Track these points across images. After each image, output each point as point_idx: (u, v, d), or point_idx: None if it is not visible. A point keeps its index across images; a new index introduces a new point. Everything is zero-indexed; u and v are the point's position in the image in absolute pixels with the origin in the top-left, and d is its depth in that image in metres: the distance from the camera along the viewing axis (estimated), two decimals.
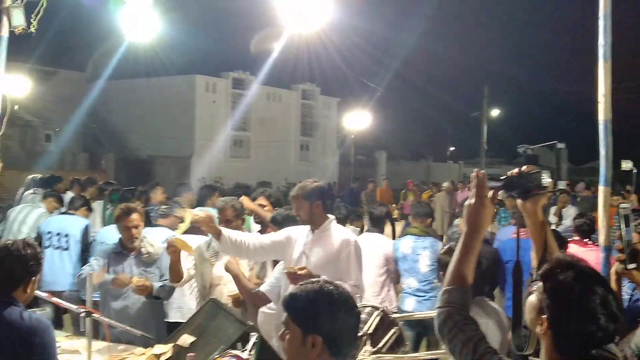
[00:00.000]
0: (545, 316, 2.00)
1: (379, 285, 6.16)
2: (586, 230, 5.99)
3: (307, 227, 4.49)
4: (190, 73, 30.74)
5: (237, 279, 4.59)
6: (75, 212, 7.41)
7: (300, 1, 4.63)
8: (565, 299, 1.97)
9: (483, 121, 33.20)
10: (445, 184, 17.11)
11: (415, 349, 5.96)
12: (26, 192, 9.61)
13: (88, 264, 5.19)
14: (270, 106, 34.10)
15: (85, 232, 7.18)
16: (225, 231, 4.42)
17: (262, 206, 5.86)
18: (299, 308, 2.20)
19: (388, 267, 6.23)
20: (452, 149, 54.83)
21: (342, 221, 7.08)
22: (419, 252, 6.02)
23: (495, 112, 36.91)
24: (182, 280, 4.98)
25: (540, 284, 2.04)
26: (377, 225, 6.78)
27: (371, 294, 6.10)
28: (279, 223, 5.23)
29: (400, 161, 41.39)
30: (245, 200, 5.49)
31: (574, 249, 5.50)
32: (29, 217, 7.63)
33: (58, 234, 7.06)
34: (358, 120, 27.64)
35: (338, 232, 4.45)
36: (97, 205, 9.38)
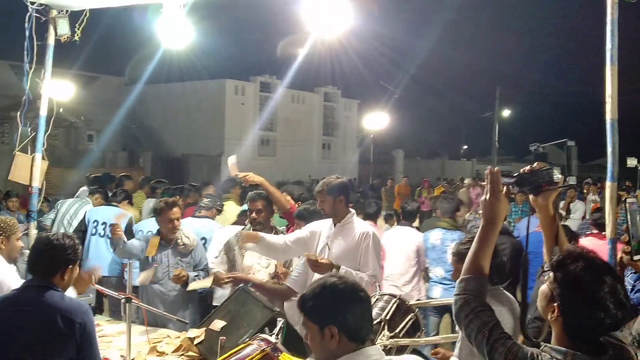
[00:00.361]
0: (556, 304, 1.99)
1: (410, 274, 6.19)
2: (603, 223, 5.98)
3: (330, 221, 4.50)
4: (221, 77, 30.85)
5: (261, 287, 4.59)
6: (118, 205, 7.50)
7: (323, 9, 4.62)
8: (575, 288, 1.95)
9: (495, 121, 32.98)
10: (467, 181, 16.97)
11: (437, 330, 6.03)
12: (83, 189, 9.79)
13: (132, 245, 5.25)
14: (295, 108, 34.09)
15: (129, 223, 7.25)
16: (262, 236, 4.50)
17: None
18: (310, 307, 2.21)
19: (418, 259, 6.25)
20: (465, 147, 54.43)
21: (372, 216, 7.07)
22: (447, 244, 6.00)
23: (506, 112, 36.65)
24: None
25: (551, 274, 2.03)
26: (409, 219, 6.81)
27: (403, 282, 6.13)
28: (305, 218, 5.24)
29: (417, 159, 41.18)
30: (253, 176, 5.43)
31: (592, 242, 5.45)
32: (80, 211, 7.71)
33: (104, 222, 7.15)
34: (377, 120, 27.57)
35: (358, 225, 4.45)
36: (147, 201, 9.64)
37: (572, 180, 2.43)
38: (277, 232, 5.14)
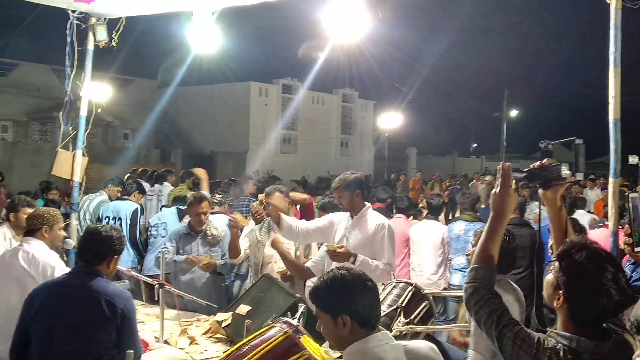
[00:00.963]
0: (561, 292, 1.97)
1: (437, 264, 6.24)
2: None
3: (347, 214, 4.50)
4: (246, 80, 30.91)
5: (282, 255, 4.62)
6: (128, 197, 7.50)
7: (342, 16, 4.61)
8: (580, 276, 1.94)
9: (503, 120, 32.76)
10: (488, 178, 16.79)
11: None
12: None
13: (164, 246, 5.27)
14: (315, 108, 34.06)
15: (134, 214, 7.26)
16: (284, 217, 4.49)
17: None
18: (322, 298, 2.21)
19: (444, 249, 6.28)
20: (474, 145, 53.96)
21: (404, 210, 7.01)
22: (470, 234, 6.03)
23: (513, 113, 36.34)
24: (240, 257, 5.06)
25: (556, 263, 2.01)
26: (434, 213, 6.86)
27: (430, 272, 6.14)
28: (328, 209, 5.29)
29: (429, 156, 40.95)
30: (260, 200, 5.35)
31: (603, 233, 5.42)
32: (91, 205, 7.74)
33: (114, 217, 7.19)
34: (391, 120, 27.51)
35: (374, 218, 4.44)
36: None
37: (579, 176, 2.41)
38: (212, 227, 5.23)
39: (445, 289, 6.10)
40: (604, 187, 14.43)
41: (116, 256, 3.23)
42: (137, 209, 7.30)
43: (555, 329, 2.01)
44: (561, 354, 1.89)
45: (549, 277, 2.05)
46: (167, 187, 9.98)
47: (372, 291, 2.23)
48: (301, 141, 33.21)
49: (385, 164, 31.79)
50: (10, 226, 5.19)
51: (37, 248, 3.92)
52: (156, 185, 10.00)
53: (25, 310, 3.08)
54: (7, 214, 5.27)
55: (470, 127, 53.14)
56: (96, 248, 3.15)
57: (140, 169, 11.20)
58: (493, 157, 39.19)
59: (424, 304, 3.69)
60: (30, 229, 4.04)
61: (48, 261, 3.87)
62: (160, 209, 8.43)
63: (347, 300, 2.15)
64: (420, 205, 11.66)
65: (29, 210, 4.61)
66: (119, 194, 7.82)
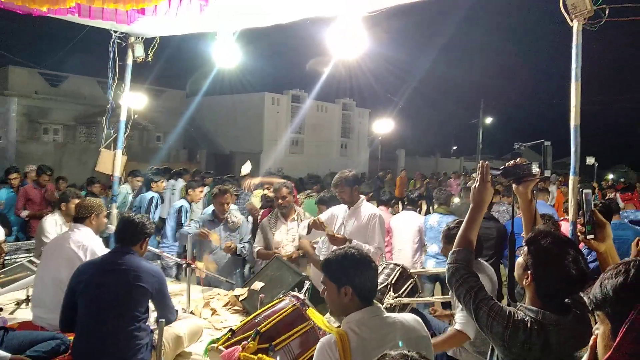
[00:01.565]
0: (529, 272, 1.97)
1: (413, 250, 6.18)
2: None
3: (345, 206, 4.50)
4: (261, 91, 30.88)
5: (308, 253, 4.78)
6: (152, 189, 7.58)
7: (344, 36, 4.59)
8: (545, 259, 1.94)
9: (479, 126, 32.64)
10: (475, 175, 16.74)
11: (432, 295, 5.97)
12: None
13: (187, 224, 5.31)
14: (319, 115, 33.99)
15: (149, 202, 7.32)
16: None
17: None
18: (332, 269, 2.22)
19: (420, 237, 6.23)
20: (455, 147, 53.82)
21: (385, 202, 7.04)
22: (442, 226, 5.99)
23: (488, 120, 36.15)
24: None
25: (525, 248, 2.01)
26: (413, 205, 6.82)
27: (409, 256, 6.12)
28: (325, 202, 5.26)
29: (416, 157, 40.80)
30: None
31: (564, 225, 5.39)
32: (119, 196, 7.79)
33: (140, 207, 7.32)
34: (384, 125, 27.34)
35: (367, 208, 4.45)
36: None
37: (547, 173, 2.40)
38: (233, 215, 5.24)
39: None
40: (564, 184, 14.39)
41: (147, 238, 3.32)
42: (152, 197, 7.46)
43: (524, 304, 2.01)
44: (528, 325, 1.89)
45: (519, 260, 2.05)
46: (180, 183, 9.96)
47: (374, 271, 2.23)
48: (307, 143, 33.18)
49: (378, 163, 31.75)
50: (61, 214, 5.22)
51: (85, 233, 3.94)
52: (171, 181, 10.01)
53: (74, 284, 3.10)
54: (59, 204, 5.30)
55: (452, 132, 53.01)
56: (131, 233, 3.20)
57: (164, 167, 11.23)
58: (470, 158, 39.07)
59: (410, 282, 3.68)
60: (79, 217, 4.06)
61: (94, 245, 3.89)
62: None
63: (351, 275, 2.16)
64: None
65: (77, 201, 4.63)
66: (139, 184, 8.06)
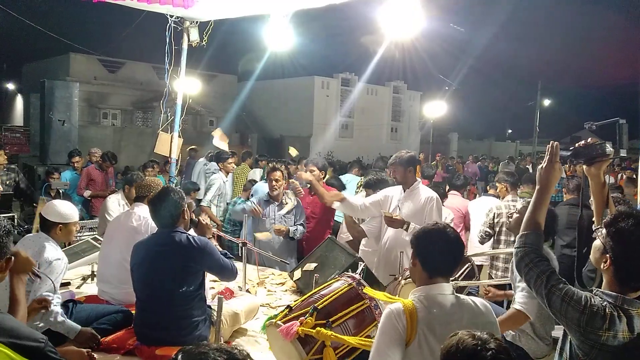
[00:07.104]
0: (608, 255, 1.88)
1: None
2: None
3: (400, 187, 4.44)
4: (311, 75, 30.93)
5: (346, 218, 4.85)
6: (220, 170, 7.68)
7: (397, 15, 4.49)
8: (626, 241, 1.84)
9: (537, 108, 31.39)
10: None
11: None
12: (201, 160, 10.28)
13: (242, 200, 5.43)
14: (369, 99, 33.73)
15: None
16: (347, 196, 4.59)
17: (312, 171, 5.26)
18: (412, 240, 2.25)
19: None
20: (510, 130, 52.14)
21: (458, 187, 6.89)
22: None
23: (546, 102, 34.75)
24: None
25: (604, 230, 1.92)
26: (457, 189, 6.66)
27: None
28: (372, 186, 5.19)
29: (469, 140, 39.86)
30: (302, 174, 5.14)
31: None
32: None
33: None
34: (436, 108, 26.71)
35: (424, 191, 4.36)
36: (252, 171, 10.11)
37: (623, 153, 2.28)
38: (288, 197, 5.30)
39: None
40: (629, 168, 13.68)
41: (185, 209, 3.23)
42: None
43: (600, 289, 1.93)
44: (607, 310, 1.82)
45: (597, 243, 1.96)
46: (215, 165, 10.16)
47: (447, 245, 2.18)
48: (357, 127, 33.04)
49: (430, 147, 31.18)
50: (124, 195, 5.43)
51: (145, 211, 4.07)
52: (212, 163, 10.22)
53: (132, 264, 3.19)
54: (123, 185, 5.53)
55: (506, 114, 51.35)
56: (171, 211, 3.15)
57: (209, 152, 11.41)
58: (526, 141, 37.72)
59: (466, 265, 3.63)
60: (139, 195, 4.21)
61: (151, 221, 4.02)
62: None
63: (421, 247, 2.20)
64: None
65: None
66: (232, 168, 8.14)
